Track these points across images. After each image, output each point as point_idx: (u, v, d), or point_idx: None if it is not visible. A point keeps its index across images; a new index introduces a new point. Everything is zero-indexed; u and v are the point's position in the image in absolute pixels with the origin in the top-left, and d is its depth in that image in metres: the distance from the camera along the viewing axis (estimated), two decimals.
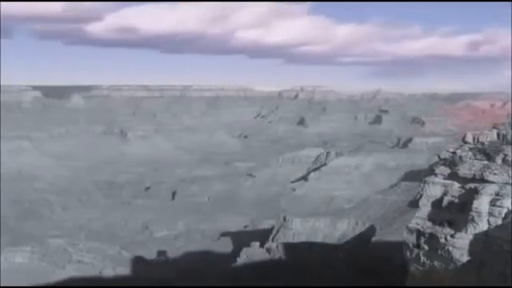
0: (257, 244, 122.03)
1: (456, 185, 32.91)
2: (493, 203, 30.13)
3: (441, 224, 32.56)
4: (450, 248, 31.39)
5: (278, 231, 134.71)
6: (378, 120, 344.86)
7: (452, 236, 31.49)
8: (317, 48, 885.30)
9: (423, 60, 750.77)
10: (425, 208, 33.95)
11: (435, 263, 32.48)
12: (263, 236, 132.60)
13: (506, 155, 31.87)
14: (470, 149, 34.49)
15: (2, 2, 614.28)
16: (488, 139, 35.18)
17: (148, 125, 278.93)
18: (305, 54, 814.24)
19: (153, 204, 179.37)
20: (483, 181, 31.34)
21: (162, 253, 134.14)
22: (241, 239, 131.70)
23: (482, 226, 30.32)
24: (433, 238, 32.57)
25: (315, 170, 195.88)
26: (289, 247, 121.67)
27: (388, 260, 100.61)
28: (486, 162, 32.50)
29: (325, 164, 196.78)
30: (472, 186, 31.76)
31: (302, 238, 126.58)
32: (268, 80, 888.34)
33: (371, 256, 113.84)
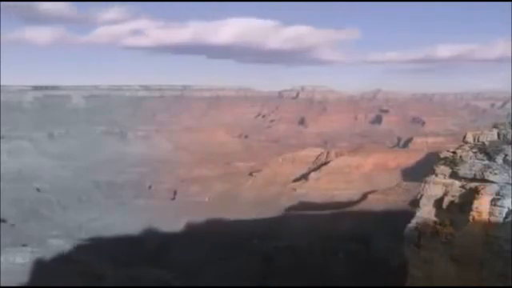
0: (257, 244, 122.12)
1: (456, 184, 32.84)
2: (493, 203, 30.05)
3: (441, 224, 32.50)
4: (451, 248, 31.35)
5: (277, 231, 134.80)
6: (378, 120, 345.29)
7: (452, 236, 31.43)
8: None
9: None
10: (425, 208, 33.88)
11: (435, 263, 32.43)
12: (263, 236, 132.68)
13: (506, 155, 31.80)
14: (471, 148, 34.40)
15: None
16: (488, 139, 35.09)
17: (148, 125, 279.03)
18: None
19: (153, 204, 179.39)
20: (484, 180, 31.27)
21: (161, 253, 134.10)
22: (241, 239, 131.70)
23: (483, 225, 30.25)
24: (433, 238, 32.52)
25: (315, 169, 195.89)
26: (289, 247, 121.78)
27: (388, 260, 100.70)
28: (486, 161, 32.41)
29: (325, 164, 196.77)
30: (472, 185, 31.70)
31: (302, 238, 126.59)
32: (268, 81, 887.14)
33: (371, 256, 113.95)
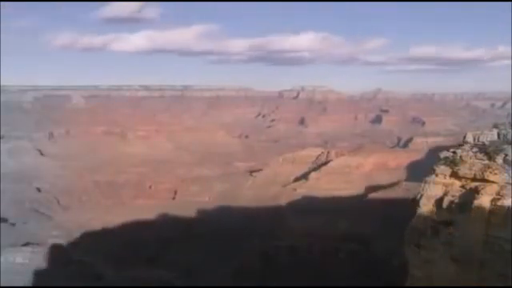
0: (257, 244, 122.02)
1: (456, 184, 32.78)
2: (493, 203, 30.02)
3: (441, 224, 32.45)
4: (450, 248, 31.30)
5: (278, 231, 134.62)
6: (378, 120, 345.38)
7: (452, 236, 31.39)
8: None
9: None
10: (425, 208, 33.83)
11: (435, 263, 32.39)
12: (263, 236, 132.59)
13: (506, 155, 31.75)
14: (471, 148, 34.37)
15: None
16: (488, 139, 35.06)
17: (148, 125, 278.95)
18: None
19: (153, 204, 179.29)
20: (484, 180, 31.22)
21: (162, 253, 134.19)
22: (241, 239, 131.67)
23: (483, 225, 30.21)
24: (433, 238, 32.47)
25: (316, 169, 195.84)
26: (289, 247, 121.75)
27: (388, 260, 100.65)
28: (486, 161, 32.36)
29: (325, 164, 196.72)
30: (472, 185, 31.65)
31: (302, 238, 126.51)
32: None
33: (371, 256, 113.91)
